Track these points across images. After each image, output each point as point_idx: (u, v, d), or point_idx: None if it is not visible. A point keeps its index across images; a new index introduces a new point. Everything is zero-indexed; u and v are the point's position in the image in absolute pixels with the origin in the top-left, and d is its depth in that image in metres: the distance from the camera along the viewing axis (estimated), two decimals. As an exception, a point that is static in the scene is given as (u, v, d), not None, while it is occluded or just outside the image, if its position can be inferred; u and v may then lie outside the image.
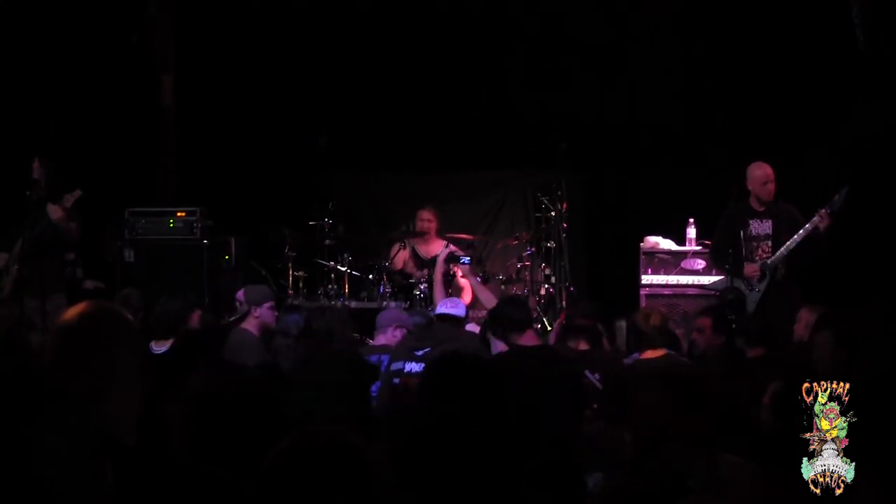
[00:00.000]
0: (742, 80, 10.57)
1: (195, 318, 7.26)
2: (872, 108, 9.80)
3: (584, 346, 6.72)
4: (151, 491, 2.46)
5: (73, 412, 1.99)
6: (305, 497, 2.12)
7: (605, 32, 11.00)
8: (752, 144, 9.84)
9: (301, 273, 10.04)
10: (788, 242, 8.61)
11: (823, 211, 8.46)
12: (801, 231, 8.56)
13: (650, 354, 6.29)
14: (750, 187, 8.85)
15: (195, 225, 10.02)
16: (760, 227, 8.83)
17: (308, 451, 2.15)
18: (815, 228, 8.49)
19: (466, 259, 9.16)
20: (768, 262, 8.71)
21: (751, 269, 8.72)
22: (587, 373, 6.26)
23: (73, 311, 2.70)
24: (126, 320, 2.74)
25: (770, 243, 8.78)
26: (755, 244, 8.84)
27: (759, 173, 8.80)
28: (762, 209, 8.82)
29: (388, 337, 7.05)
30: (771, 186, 8.75)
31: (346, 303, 9.61)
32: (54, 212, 8.75)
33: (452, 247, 9.60)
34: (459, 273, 9.96)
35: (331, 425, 2.28)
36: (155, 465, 2.51)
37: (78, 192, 8.91)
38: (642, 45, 10.87)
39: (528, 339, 6.00)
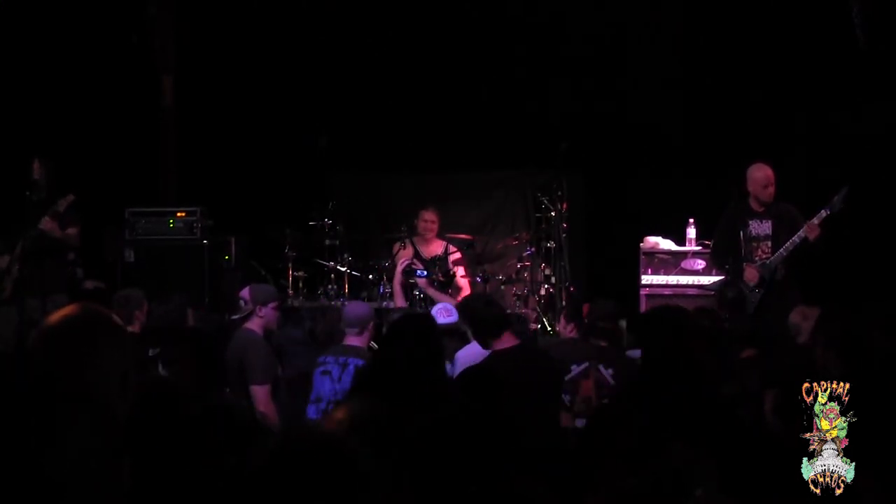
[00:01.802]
0: (742, 81, 10.58)
1: (189, 317, 7.24)
2: (872, 108, 9.81)
3: (604, 344, 6.81)
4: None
5: (92, 413, 1.99)
6: (295, 497, 2.12)
7: (604, 32, 11.00)
8: (752, 144, 9.84)
9: (301, 273, 10.04)
10: (785, 246, 8.61)
11: (814, 222, 8.45)
12: (794, 238, 8.55)
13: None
14: (750, 189, 8.83)
15: (195, 225, 10.02)
16: (760, 227, 8.82)
17: (298, 450, 2.15)
18: (805, 239, 8.50)
19: (422, 273, 9.32)
20: (768, 263, 8.71)
21: (750, 272, 8.70)
22: (601, 367, 6.36)
23: (59, 313, 2.70)
24: (113, 321, 2.74)
25: (770, 244, 8.76)
26: (755, 245, 8.82)
27: (760, 175, 8.77)
28: (762, 209, 8.81)
29: (363, 339, 7.02)
30: (771, 189, 8.72)
31: (346, 303, 9.60)
32: (44, 223, 8.80)
33: (412, 262, 9.65)
34: (460, 273, 9.97)
35: (320, 425, 2.28)
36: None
37: (71, 197, 8.92)
38: (642, 45, 10.87)
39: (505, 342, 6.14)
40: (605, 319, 7.02)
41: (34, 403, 2.22)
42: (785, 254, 8.62)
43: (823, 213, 8.48)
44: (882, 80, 9.77)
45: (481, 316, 6.23)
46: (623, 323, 8.77)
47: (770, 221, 8.78)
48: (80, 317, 2.69)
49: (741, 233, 8.77)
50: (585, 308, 9.05)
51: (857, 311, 5.39)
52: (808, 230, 8.46)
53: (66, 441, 2.09)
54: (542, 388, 5.96)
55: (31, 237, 8.83)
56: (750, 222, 8.82)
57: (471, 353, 6.62)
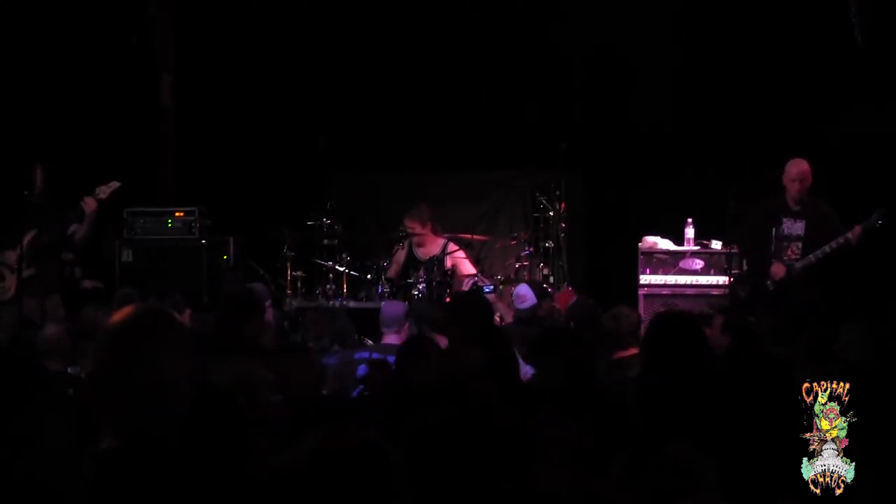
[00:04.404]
0: (742, 81, 10.58)
1: (186, 318, 7.22)
2: (872, 107, 9.81)
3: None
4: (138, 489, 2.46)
5: (64, 405, 2.00)
6: (325, 499, 2.12)
7: (604, 32, 11.00)
8: (751, 145, 9.85)
9: (299, 273, 10.03)
10: (818, 252, 8.49)
11: (858, 228, 8.37)
12: (832, 243, 8.46)
13: (621, 354, 6.27)
14: (784, 183, 8.74)
15: (193, 224, 10.01)
16: (793, 226, 8.70)
17: (331, 453, 2.14)
18: (847, 242, 8.41)
19: (489, 288, 9.27)
20: (796, 265, 8.61)
21: (778, 268, 8.62)
22: None
23: (121, 314, 2.68)
24: (175, 320, 2.73)
25: (800, 245, 8.65)
26: (786, 244, 8.70)
27: (793, 170, 8.65)
28: (798, 208, 8.69)
29: (401, 338, 7.05)
30: (798, 185, 8.54)
31: (345, 303, 9.61)
32: (89, 204, 8.78)
33: (477, 278, 9.65)
34: (467, 270, 9.95)
35: (353, 427, 2.26)
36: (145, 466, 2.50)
37: (115, 184, 8.92)
38: (642, 45, 10.87)
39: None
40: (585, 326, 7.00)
41: (16, 398, 2.22)
42: (814, 260, 8.53)
43: (858, 230, 8.38)
44: (881, 80, 9.78)
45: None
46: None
47: (803, 222, 8.66)
48: (144, 316, 2.66)
49: (773, 230, 8.68)
50: (561, 298, 9.06)
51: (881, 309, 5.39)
52: (853, 235, 8.36)
53: (42, 435, 2.09)
54: None
55: (56, 231, 8.83)
56: (784, 220, 8.70)
57: None
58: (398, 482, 2.13)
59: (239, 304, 6.07)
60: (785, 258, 8.65)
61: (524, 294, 7.99)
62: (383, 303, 8.17)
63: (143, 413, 2.49)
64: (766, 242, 8.65)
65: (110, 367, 2.57)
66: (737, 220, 9.02)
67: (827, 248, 8.46)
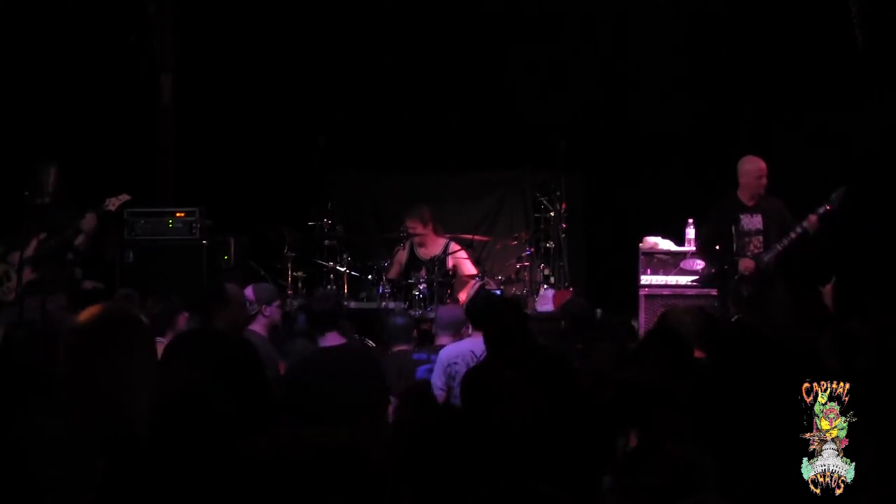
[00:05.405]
0: (741, 80, 10.58)
1: (181, 321, 7.20)
2: (871, 107, 9.81)
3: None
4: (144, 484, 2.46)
5: (63, 405, 1.99)
6: (300, 499, 2.11)
7: (604, 32, 11.00)
8: (750, 144, 9.84)
9: (300, 273, 10.03)
10: (784, 240, 8.60)
11: (813, 216, 8.44)
12: (790, 234, 8.55)
13: None
14: (742, 181, 8.83)
15: (194, 225, 10.02)
16: (751, 221, 8.82)
17: (307, 454, 2.13)
18: (805, 231, 8.49)
19: (497, 292, 9.33)
20: (763, 258, 8.68)
21: (746, 263, 8.67)
22: None
23: (87, 313, 2.68)
24: (139, 320, 2.74)
25: (761, 238, 8.77)
26: (747, 239, 8.81)
27: (753, 167, 8.79)
28: (752, 203, 8.81)
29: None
30: (765, 181, 8.78)
31: (346, 303, 9.59)
32: (89, 221, 8.81)
33: (487, 280, 9.68)
34: (468, 270, 9.95)
35: (331, 427, 2.25)
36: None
37: (125, 196, 8.96)
38: (642, 44, 10.87)
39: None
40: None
41: (10, 396, 2.22)
42: (780, 248, 8.61)
43: (823, 210, 8.46)
44: (881, 80, 9.78)
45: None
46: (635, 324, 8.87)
47: (760, 216, 8.79)
48: (110, 315, 2.67)
49: (733, 227, 8.75)
50: (558, 298, 9.10)
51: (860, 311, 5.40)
52: (809, 224, 8.46)
53: (31, 434, 2.08)
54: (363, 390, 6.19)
55: (59, 238, 8.83)
56: (741, 217, 8.82)
57: (453, 350, 6.69)
58: (376, 483, 2.12)
59: (207, 300, 6.11)
60: (748, 253, 8.73)
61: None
62: (440, 307, 8.49)
63: (108, 410, 2.49)
64: (728, 242, 8.72)
65: (73, 365, 2.57)
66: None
67: (786, 241, 8.56)
